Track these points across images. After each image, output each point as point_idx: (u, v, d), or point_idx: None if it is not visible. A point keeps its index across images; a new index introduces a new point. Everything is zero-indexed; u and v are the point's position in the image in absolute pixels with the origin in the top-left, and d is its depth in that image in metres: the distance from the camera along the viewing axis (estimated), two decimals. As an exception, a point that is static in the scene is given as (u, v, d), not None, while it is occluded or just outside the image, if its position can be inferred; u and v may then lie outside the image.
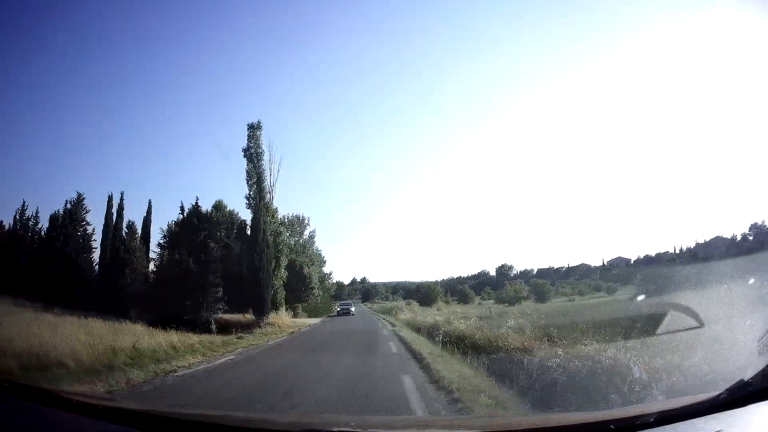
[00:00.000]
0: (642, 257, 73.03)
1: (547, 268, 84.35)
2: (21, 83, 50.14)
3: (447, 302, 63.30)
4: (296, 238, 44.50)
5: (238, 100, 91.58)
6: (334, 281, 68.96)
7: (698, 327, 4.06)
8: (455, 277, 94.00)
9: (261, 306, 25.39)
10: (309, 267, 39.76)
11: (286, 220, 42.79)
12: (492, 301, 63.89)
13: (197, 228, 27.14)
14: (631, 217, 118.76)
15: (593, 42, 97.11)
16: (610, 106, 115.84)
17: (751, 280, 6.35)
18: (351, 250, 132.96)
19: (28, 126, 54.72)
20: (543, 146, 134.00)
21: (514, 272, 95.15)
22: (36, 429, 1.60)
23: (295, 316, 35.79)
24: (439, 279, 75.81)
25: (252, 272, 25.40)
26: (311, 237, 48.45)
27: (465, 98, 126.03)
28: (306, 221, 47.22)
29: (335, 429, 1.96)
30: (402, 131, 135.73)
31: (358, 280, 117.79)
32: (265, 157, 28.85)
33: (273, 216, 29.57)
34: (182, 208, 28.64)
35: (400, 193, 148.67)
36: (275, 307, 27.19)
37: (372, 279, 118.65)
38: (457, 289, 78.58)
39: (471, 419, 3.44)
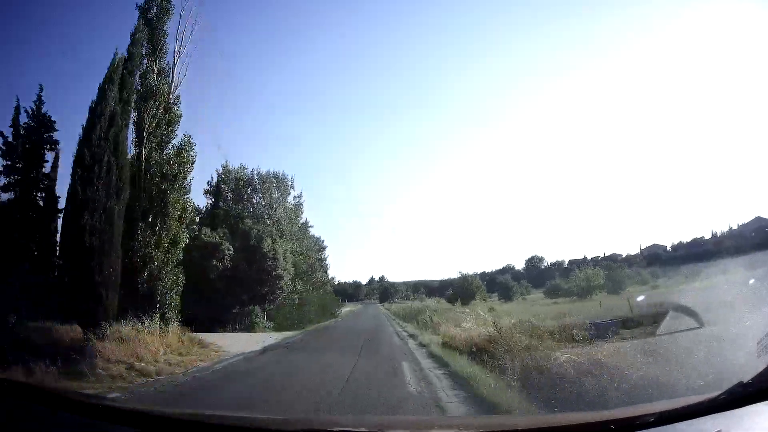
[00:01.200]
0: (676, 243, 72.90)
1: (581, 259, 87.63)
2: None
3: (484, 299, 52.73)
4: (267, 205, 34.05)
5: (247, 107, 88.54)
6: (333, 277, 54.57)
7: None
8: (479, 272, 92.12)
9: (88, 303, 13.07)
10: (274, 241, 26.86)
11: (255, 176, 34.58)
12: (540, 294, 57.73)
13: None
14: (661, 203, 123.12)
15: (631, 25, 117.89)
16: (639, 90, 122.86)
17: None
18: (367, 249, 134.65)
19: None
20: (564, 134, 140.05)
21: (545, 264, 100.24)
22: (36, 429, 1.68)
23: (253, 329, 23.22)
24: (459, 276, 73.03)
25: (72, 217, 13.72)
26: (297, 205, 37.22)
27: (478, 93, 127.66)
28: (289, 182, 36.08)
29: (332, 429, 2.04)
30: (411, 131, 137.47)
31: (376, 279, 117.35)
32: (174, 17, 18.02)
33: (168, 111, 17.24)
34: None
35: (413, 191, 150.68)
36: (155, 310, 15.40)
37: (390, 278, 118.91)
38: (497, 282, 70.42)
39: (470, 419, 3.51)
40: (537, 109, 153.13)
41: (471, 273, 60.95)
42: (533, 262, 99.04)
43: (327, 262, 44.21)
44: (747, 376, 1.79)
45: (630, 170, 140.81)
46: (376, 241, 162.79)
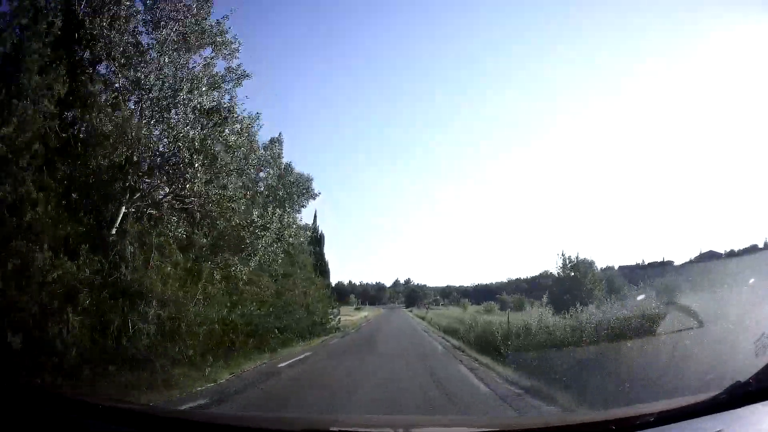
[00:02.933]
0: (728, 251, 69.21)
1: (633, 265, 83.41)
2: None
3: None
4: None
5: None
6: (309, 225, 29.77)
7: None
8: (513, 278, 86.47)
9: None
10: None
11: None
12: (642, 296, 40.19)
13: None
14: (712, 209, 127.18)
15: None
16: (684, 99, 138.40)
17: None
18: (393, 251, 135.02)
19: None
20: (604, 140, 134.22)
21: (594, 269, 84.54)
22: (36, 429, 1.69)
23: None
24: (495, 281, 69.72)
25: None
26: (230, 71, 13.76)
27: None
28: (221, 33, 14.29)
29: (333, 428, 2.04)
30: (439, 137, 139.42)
31: (402, 281, 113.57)
32: None
33: None
34: None
35: (445, 194, 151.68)
36: None
37: (417, 282, 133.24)
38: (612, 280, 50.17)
39: (471, 419, 3.54)
40: (582, 117, 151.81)
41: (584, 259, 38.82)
42: (581, 267, 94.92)
43: (301, 215, 24.48)
44: None
45: (684, 179, 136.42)
46: (402, 244, 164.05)
